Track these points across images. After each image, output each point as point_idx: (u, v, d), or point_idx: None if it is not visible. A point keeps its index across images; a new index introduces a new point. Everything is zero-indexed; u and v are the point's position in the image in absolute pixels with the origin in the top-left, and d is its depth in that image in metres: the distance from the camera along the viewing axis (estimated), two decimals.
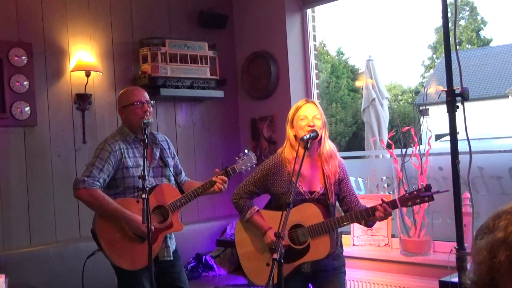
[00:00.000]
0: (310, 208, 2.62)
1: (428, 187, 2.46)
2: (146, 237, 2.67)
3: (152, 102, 2.95)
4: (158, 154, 2.97)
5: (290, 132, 2.71)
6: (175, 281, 2.99)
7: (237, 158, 3.01)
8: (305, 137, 2.52)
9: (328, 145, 2.70)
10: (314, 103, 2.71)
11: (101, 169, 2.77)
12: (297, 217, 2.61)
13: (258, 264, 2.71)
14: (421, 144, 3.50)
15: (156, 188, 2.88)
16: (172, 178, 3.03)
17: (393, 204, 2.50)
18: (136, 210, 2.74)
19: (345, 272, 2.77)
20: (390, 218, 3.68)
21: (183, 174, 3.17)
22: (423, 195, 2.45)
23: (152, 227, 2.61)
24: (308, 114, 2.64)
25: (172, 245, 3.00)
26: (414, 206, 3.46)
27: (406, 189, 3.11)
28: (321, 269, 2.67)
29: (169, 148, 3.07)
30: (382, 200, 2.51)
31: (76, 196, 2.79)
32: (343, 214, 2.69)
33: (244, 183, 2.80)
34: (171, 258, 2.96)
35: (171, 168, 3.03)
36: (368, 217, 2.55)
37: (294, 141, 2.68)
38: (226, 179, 2.91)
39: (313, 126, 2.60)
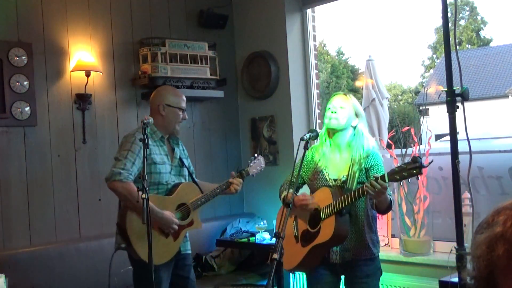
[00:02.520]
0: (323, 192, 2.65)
1: (415, 159, 2.34)
2: (172, 235, 2.89)
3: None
4: (179, 154, 3.06)
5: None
6: (185, 273, 3.08)
7: (249, 161, 3.18)
8: (305, 137, 2.52)
9: (362, 138, 2.68)
10: (344, 94, 2.76)
11: (133, 163, 2.81)
12: (316, 201, 2.65)
13: (288, 249, 2.66)
14: (421, 144, 3.50)
15: (180, 186, 2.97)
16: (187, 178, 3.12)
17: (381, 178, 2.39)
18: (161, 207, 2.84)
19: (379, 278, 2.73)
20: (390, 218, 3.70)
21: (194, 175, 3.23)
22: (410, 167, 2.34)
23: (176, 224, 2.84)
24: (334, 104, 2.69)
25: (188, 239, 3.13)
26: (414, 206, 3.47)
27: (413, 155, 3.06)
28: (351, 261, 2.64)
29: (184, 150, 3.17)
30: (374, 176, 2.45)
31: (110, 187, 2.80)
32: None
33: (286, 177, 2.90)
34: (190, 251, 3.11)
35: (188, 168, 3.12)
36: (363, 195, 2.46)
37: (323, 133, 2.75)
38: (242, 181, 3.08)
39: (335, 115, 2.65)
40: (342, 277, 2.77)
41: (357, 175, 2.62)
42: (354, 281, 2.68)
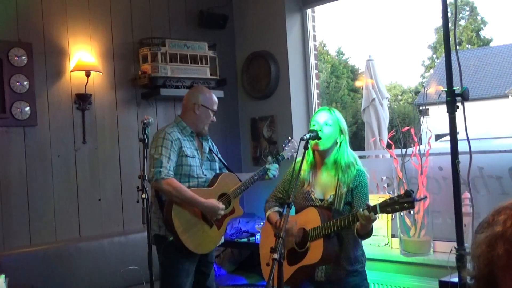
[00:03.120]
0: (310, 212, 2.61)
1: (407, 193, 2.31)
2: (216, 225, 3.01)
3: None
4: (207, 148, 3.17)
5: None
6: (206, 269, 3.18)
7: (283, 145, 3.28)
8: (305, 137, 2.51)
9: (347, 155, 2.64)
10: (329, 109, 2.67)
11: (169, 158, 2.90)
12: (301, 221, 2.62)
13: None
14: (421, 144, 3.50)
15: (220, 177, 3.09)
16: (218, 171, 3.22)
17: (373, 209, 2.36)
18: (204, 198, 2.94)
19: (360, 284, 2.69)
20: (390, 218, 3.69)
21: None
22: (402, 201, 2.30)
23: (222, 210, 2.96)
24: (317, 121, 2.62)
25: None
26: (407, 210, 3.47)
27: (406, 188, 3.04)
28: (335, 279, 2.62)
29: (213, 146, 3.29)
30: (366, 204, 2.41)
31: (154, 186, 2.89)
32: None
33: (272, 192, 2.90)
34: (223, 241, 3.23)
35: (222, 161, 3.25)
36: (353, 223, 2.45)
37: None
38: (278, 166, 3.18)
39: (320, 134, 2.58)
40: None
41: (343, 196, 2.60)
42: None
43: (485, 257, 0.86)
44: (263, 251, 2.86)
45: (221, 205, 2.97)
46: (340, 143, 2.64)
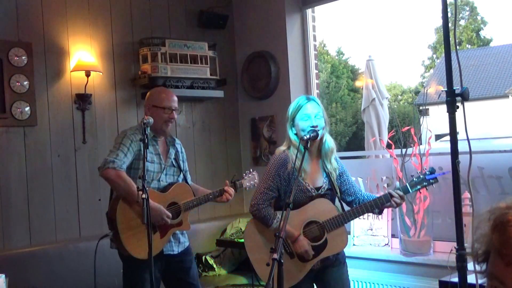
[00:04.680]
0: (325, 204, 2.64)
1: (432, 170, 2.63)
2: (160, 232, 2.87)
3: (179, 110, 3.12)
4: (173, 154, 3.06)
5: (291, 132, 2.67)
6: (183, 276, 3.06)
7: (244, 174, 3.21)
8: (305, 137, 2.51)
9: (329, 141, 2.69)
10: (315, 101, 2.68)
11: (125, 154, 2.83)
12: (311, 214, 2.62)
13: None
14: (421, 144, 3.50)
15: (174, 186, 2.99)
16: (180, 180, 3.10)
17: (404, 190, 2.61)
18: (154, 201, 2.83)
19: (346, 263, 2.78)
20: (390, 218, 3.70)
21: (189, 178, 3.23)
22: (429, 178, 2.63)
23: (168, 217, 2.84)
24: (310, 114, 2.61)
25: (185, 241, 3.09)
26: (414, 206, 3.48)
27: (412, 175, 3.08)
28: (328, 264, 2.67)
29: (182, 152, 3.17)
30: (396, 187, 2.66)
31: (103, 174, 2.79)
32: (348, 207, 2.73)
33: (259, 191, 2.71)
34: (176, 253, 3.02)
35: (183, 172, 3.12)
36: (382, 205, 2.60)
37: (295, 141, 2.64)
38: (234, 191, 3.08)
39: (316, 126, 2.57)
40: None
41: (335, 182, 2.70)
42: (328, 271, 2.68)
43: (484, 237, 0.96)
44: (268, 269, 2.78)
45: (168, 213, 2.84)
46: (325, 133, 2.68)
